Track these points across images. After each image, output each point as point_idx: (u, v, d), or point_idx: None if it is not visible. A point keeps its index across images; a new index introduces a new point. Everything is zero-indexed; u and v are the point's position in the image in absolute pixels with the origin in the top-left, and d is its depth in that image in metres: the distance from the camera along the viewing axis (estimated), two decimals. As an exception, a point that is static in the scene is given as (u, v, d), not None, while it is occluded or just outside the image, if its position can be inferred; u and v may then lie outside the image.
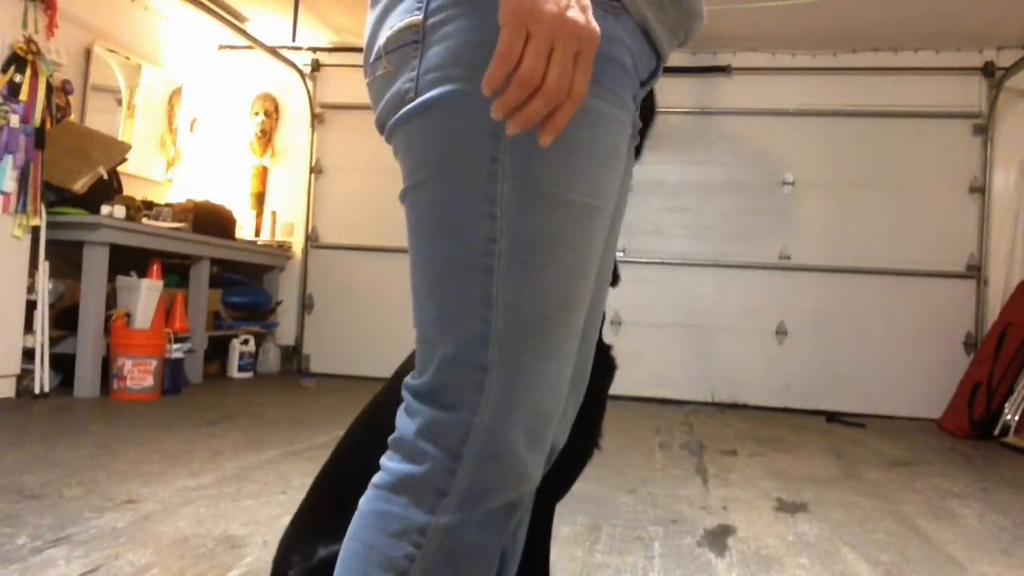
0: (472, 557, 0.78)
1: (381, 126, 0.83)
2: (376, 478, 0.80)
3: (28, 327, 3.92)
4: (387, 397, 1.17)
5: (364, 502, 0.80)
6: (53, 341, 4.04)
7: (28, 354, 3.93)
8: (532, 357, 0.77)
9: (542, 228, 0.75)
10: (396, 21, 0.78)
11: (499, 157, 0.73)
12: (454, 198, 0.75)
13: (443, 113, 0.74)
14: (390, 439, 0.81)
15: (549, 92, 0.65)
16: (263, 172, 6.13)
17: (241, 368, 5.47)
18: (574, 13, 0.64)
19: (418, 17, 0.76)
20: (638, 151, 1.09)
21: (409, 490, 0.77)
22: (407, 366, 1.16)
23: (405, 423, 0.79)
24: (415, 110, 0.76)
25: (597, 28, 0.66)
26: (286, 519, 2.23)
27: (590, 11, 0.66)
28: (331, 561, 1.00)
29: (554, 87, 0.65)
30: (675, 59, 5.49)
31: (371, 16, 0.84)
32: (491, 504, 0.77)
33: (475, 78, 0.69)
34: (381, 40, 0.80)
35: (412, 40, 0.77)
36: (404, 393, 0.81)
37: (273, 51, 5.85)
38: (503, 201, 0.74)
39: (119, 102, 5.05)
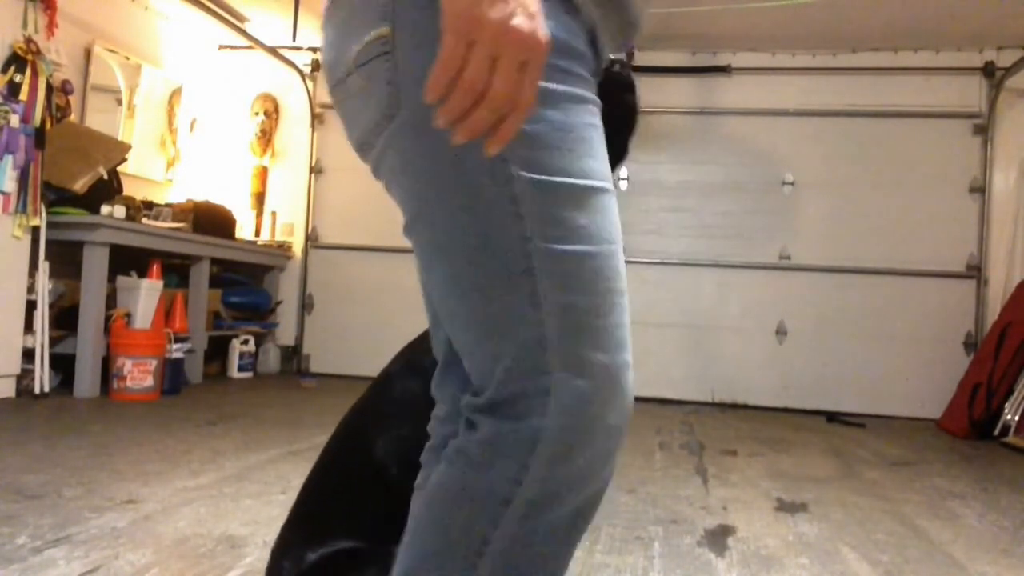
0: (537, 568, 0.77)
1: (362, 144, 0.82)
2: (432, 488, 0.79)
3: (28, 327, 3.92)
4: (370, 404, 1.19)
5: (423, 507, 0.79)
6: (53, 341, 4.04)
7: (28, 354, 3.93)
8: (594, 353, 0.76)
9: (569, 218, 0.74)
10: (363, 34, 0.76)
11: (508, 157, 0.71)
12: (476, 209, 0.74)
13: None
14: (444, 452, 0.79)
15: (494, 101, 0.63)
16: (263, 172, 6.13)
17: (241, 368, 5.47)
18: (519, 21, 0.62)
19: (386, 28, 0.75)
20: (620, 151, 1.14)
21: (473, 498, 0.76)
22: (389, 375, 1.19)
23: (465, 435, 0.78)
24: (405, 127, 0.75)
25: (545, 37, 0.64)
26: (286, 519, 2.23)
27: (540, 19, 0.64)
28: (321, 565, 1.00)
29: (499, 96, 0.63)
30: (675, 59, 5.50)
31: (329, 33, 0.82)
32: (558, 512, 0.76)
33: None
34: (351, 54, 0.78)
35: (382, 51, 0.75)
36: (464, 413, 0.79)
37: (273, 51, 5.85)
38: (525, 200, 0.73)
39: (119, 102, 5.05)
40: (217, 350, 5.37)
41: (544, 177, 0.73)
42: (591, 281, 0.76)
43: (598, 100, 0.81)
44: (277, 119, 6.17)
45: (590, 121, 0.78)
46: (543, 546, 0.77)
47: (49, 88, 4.02)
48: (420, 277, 0.89)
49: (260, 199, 6.10)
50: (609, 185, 0.80)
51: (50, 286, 3.97)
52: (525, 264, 0.74)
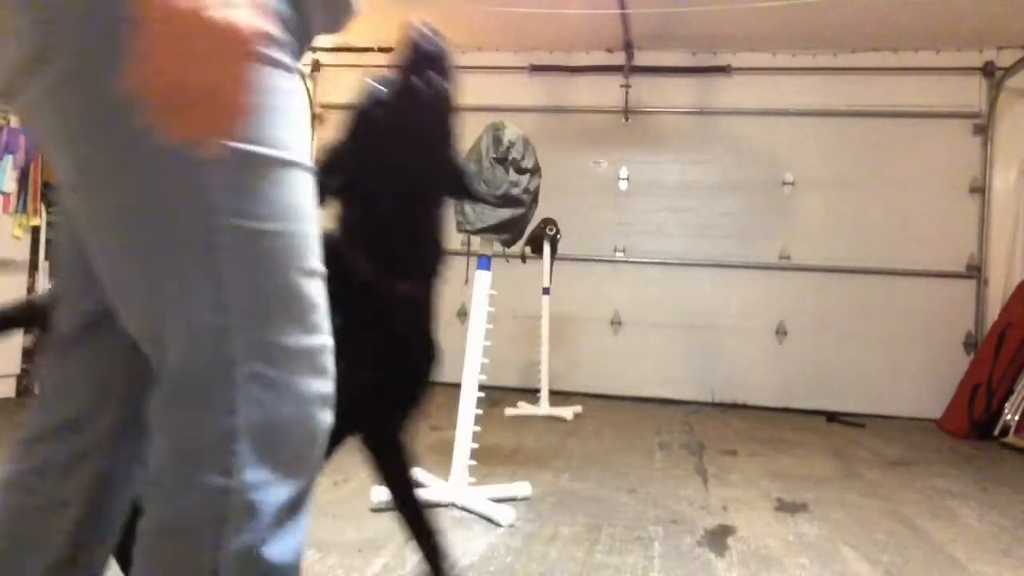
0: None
1: (6, 89, 0.72)
2: (143, 532, 0.71)
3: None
4: None
5: (143, 549, 0.72)
6: (53, 341, 4.04)
7: (28, 354, 3.93)
8: (284, 336, 0.70)
9: (261, 192, 0.69)
10: None
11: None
12: (154, 174, 0.67)
13: (81, 81, 0.65)
14: (144, 488, 0.71)
15: (196, 95, 0.62)
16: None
17: (241, 368, 5.46)
18: (216, 12, 0.60)
19: None
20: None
21: (188, 527, 0.68)
22: None
23: (154, 453, 0.70)
24: (69, 79, 0.66)
25: (249, 29, 0.63)
26: (286, 519, 2.23)
27: (241, 12, 0.61)
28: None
29: (202, 90, 0.61)
30: (675, 59, 5.49)
31: None
32: (273, 511, 0.70)
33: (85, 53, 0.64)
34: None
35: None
36: (152, 414, 0.71)
37: (273, 51, 5.84)
38: (211, 167, 0.67)
39: (119, 102, 5.05)
40: (217, 350, 5.36)
41: (234, 144, 0.67)
42: (281, 260, 0.70)
43: (299, 68, 0.77)
44: (277, 119, 6.17)
45: (290, 89, 0.73)
46: (269, 547, 0.70)
47: (49, 88, 4.02)
48: (68, 245, 0.81)
49: (260, 199, 6.09)
50: (304, 160, 0.74)
51: (50, 285, 3.97)
52: (208, 239, 0.67)
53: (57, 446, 0.85)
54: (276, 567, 0.71)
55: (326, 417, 0.75)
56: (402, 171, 1.28)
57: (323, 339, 0.74)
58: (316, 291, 0.74)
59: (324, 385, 0.74)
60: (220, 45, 0.62)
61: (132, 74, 0.62)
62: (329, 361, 0.75)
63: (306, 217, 0.73)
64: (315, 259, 0.74)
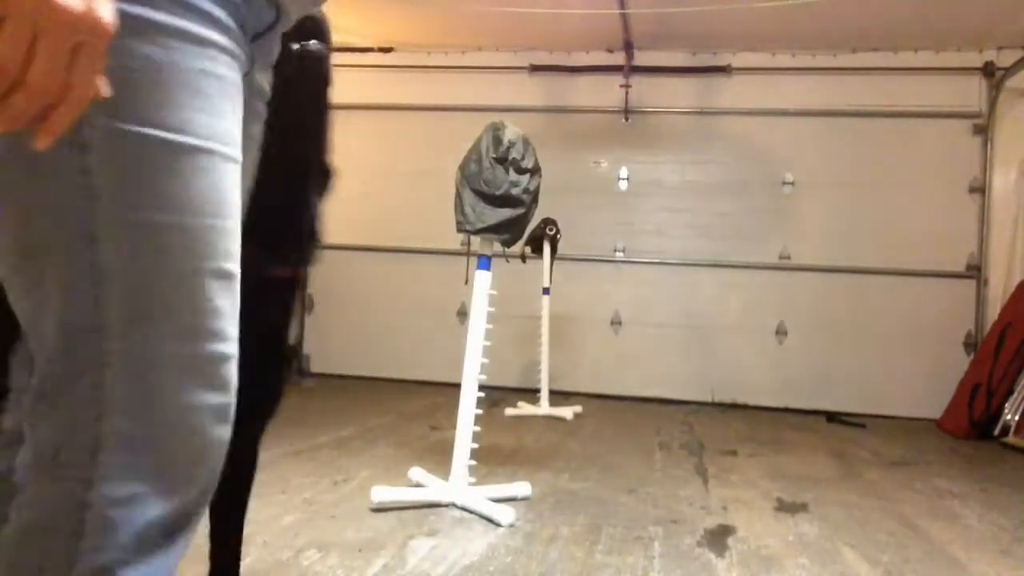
0: None
1: None
2: (5, 530, 0.65)
3: (28, 327, 3.91)
4: None
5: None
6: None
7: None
8: (166, 341, 0.64)
9: (153, 180, 0.63)
10: None
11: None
12: (32, 157, 0.59)
13: None
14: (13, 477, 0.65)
15: (31, 88, 0.52)
16: (263, 172, 6.12)
17: (241, 368, 5.46)
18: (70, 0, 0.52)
19: None
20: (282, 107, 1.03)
21: (37, 543, 0.62)
22: None
23: (24, 447, 0.65)
24: None
25: (104, 18, 0.53)
26: (286, 519, 2.23)
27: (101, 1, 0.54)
28: None
29: (37, 83, 0.52)
30: (675, 59, 5.49)
31: None
32: (142, 532, 0.64)
33: None
34: None
35: None
36: (24, 409, 0.65)
37: (273, 51, 5.84)
38: (95, 150, 0.61)
39: (119, 102, 5.05)
40: (217, 350, 5.36)
41: (124, 126, 0.61)
42: (172, 257, 0.64)
43: (236, 49, 0.70)
44: (277, 119, 6.16)
45: (206, 68, 0.66)
46: (136, 570, 0.64)
47: (49, 88, 4.01)
48: None
49: (260, 199, 6.09)
50: (224, 148, 0.67)
51: None
52: (87, 229, 0.62)
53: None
54: None
55: (220, 432, 0.69)
56: (278, 143, 1.14)
57: (222, 347, 0.68)
58: (220, 294, 0.67)
59: (218, 397, 0.68)
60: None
61: None
62: (229, 371, 0.69)
63: (216, 212, 0.66)
64: (225, 259, 0.68)
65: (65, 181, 0.61)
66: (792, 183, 5.41)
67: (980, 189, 5.19)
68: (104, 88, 0.56)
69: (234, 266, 0.69)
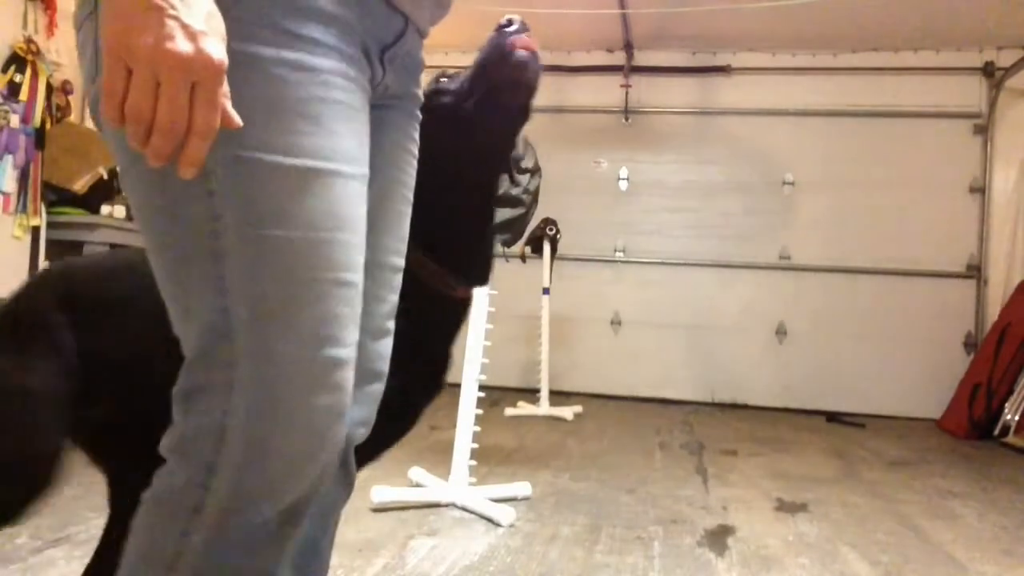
0: None
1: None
2: (146, 490, 0.73)
3: (28, 327, 3.91)
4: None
5: (136, 515, 0.74)
6: (53, 341, 4.03)
7: (28, 354, 3.92)
8: (286, 345, 0.69)
9: (269, 199, 0.69)
10: None
11: None
12: (165, 180, 0.68)
13: None
14: (163, 445, 0.73)
15: (161, 128, 0.60)
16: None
17: (241, 368, 5.46)
18: (174, 44, 0.58)
19: None
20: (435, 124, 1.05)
21: (165, 507, 0.70)
22: None
23: (168, 431, 0.73)
24: (101, 91, 0.68)
25: (214, 56, 0.60)
26: (286, 519, 2.23)
27: (206, 38, 0.60)
28: None
29: (165, 123, 0.59)
30: (675, 59, 5.49)
31: None
32: (254, 519, 0.71)
33: None
34: (78, 10, 0.76)
35: (90, 11, 0.73)
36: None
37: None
38: (217, 175, 0.68)
39: (119, 102, 5.05)
40: (217, 350, 5.35)
41: (241, 153, 0.68)
42: (290, 269, 0.70)
43: (352, 70, 0.75)
44: (277, 119, 6.16)
45: (317, 94, 0.71)
46: (242, 557, 0.71)
47: (49, 88, 4.02)
48: None
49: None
50: (341, 167, 0.73)
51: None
52: (212, 245, 0.69)
53: None
54: (241, 570, 0.72)
55: (335, 432, 0.74)
56: (472, 171, 1.19)
57: (339, 352, 0.73)
58: (339, 302, 0.72)
59: (333, 398, 0.73)
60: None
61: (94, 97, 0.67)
62: (345, 375, 0.74)
63: (335, 226, 0.72)
64: (345, 269, 0.73)
65: (194, 203, 0.69)
66: (792, 183, 5.41)
67: (980, 189, 5.19)
68: (234, 118, 0.62)
69: (354, 276, 0.74)
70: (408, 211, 0.93)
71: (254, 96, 0.68)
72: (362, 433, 0.90)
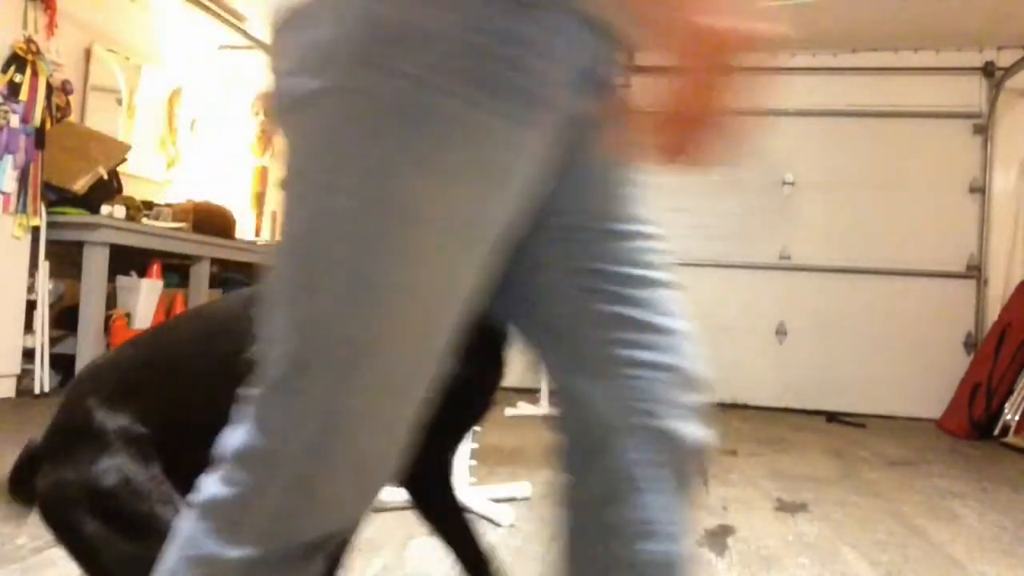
0: None
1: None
2: (195, 495, 0.73)
3: (28, 327, 3.92)
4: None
5: (182, 518, 0.74)
6: (53, 341, 4.04)
7: (28, 354, 3.93)
8: (359, 391, 0.68)
9: (384, 249, 0.65)
10: None
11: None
12: (298, 206, 0.68)
13: (307, 114, 0.65)
14: (216, 452, 0.73)
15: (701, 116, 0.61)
16: (264, 172, 6.13)
17: (241, 368, 5.46)
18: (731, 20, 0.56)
19: None
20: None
21: (212, 516, 0.71)
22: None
23: (230, 438, 0.72)
24: (294, 104, 0.67)
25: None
26: (286, 519, 2.23)
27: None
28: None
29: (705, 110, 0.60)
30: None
31: None
32: (290, 543, 0.71)
33: (334, 74, 0.63)
34: None
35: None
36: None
37: (273, 51, 5.84)
38: (345, 217, 0.65)
39: (119, 102, 5.05)
40: (217, 350, 5.35)
41: (373, 202, 0.65)
42: (382, 320, 0.67)
43: (526, 121, 0.68)
44: (277, 119, 6.16)
45: (478, 149, 0.67)
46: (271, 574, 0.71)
47: (49, 88, 4.02)
48: None
49: (260, 199, 6.10)
50: (474, 230, 0.69)
51: (50, 286, 3.97)
52: (313, 281, 0.67)
53: None
54: None
55: (387, 479, 0.77)
56: None
57: (412, 409, 0.73)
58: (421, 357, 0.71)
59: (397, 447, 0.75)
60: None
61: None
62: (403, 427, 0.74)
63: (443, 288, 0.71)
64: (432, 327, 0.70)
65: (308, 243, 0.68)
66: (792, 183, 5.41)
67: (980, 189, 5.19)
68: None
69: (434, 341, 0.71)
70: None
71: (410, 152, 0.66)
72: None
